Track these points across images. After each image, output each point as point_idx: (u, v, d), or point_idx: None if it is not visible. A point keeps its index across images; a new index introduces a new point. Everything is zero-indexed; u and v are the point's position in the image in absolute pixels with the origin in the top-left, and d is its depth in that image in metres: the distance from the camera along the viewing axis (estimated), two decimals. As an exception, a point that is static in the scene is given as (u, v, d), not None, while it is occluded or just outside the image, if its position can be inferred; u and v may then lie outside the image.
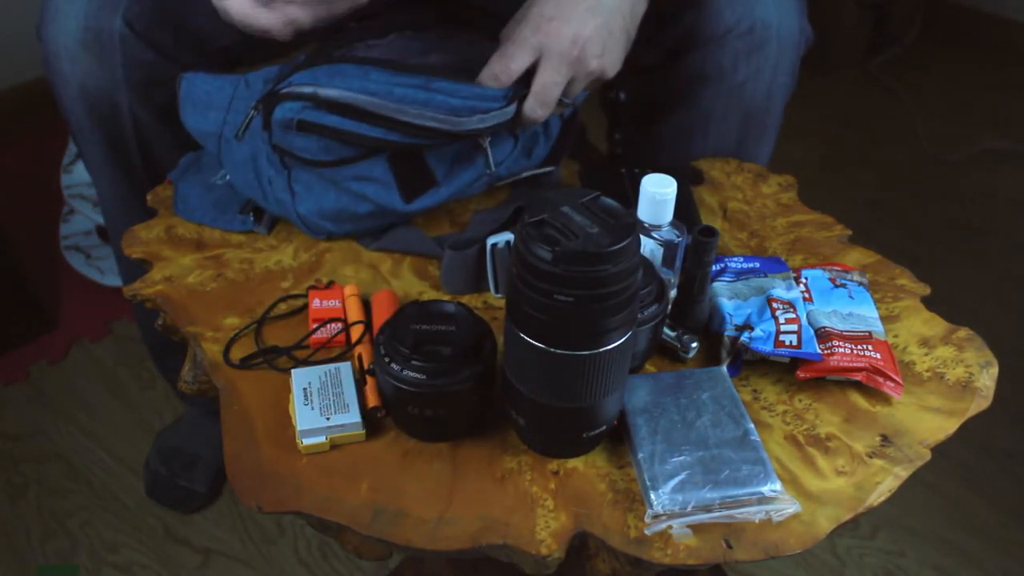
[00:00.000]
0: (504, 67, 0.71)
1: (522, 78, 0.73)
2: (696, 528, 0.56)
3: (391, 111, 0.71)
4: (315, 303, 0.71)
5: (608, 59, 0.73)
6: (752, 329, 0.67)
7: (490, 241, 0.72)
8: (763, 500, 0.57)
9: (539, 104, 0.73)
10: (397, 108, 0.70)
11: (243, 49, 0.91)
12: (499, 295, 0.74)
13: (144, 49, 0.82)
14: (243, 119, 0.76)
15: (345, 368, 0.65)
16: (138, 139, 0.87)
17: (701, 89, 0.89)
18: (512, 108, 0.73)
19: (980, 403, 0.65)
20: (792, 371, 0.66)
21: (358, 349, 0.67)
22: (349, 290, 0.73)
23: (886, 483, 0.59)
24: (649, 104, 0.95)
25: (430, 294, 0.75)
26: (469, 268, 0.73)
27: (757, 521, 0.56)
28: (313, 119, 0.71)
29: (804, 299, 0.70)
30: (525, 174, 0.81)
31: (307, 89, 0.71)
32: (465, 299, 0.74)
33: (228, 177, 0.82)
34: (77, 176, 1.45)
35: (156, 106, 0.86)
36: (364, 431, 0.62)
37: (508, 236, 0.72)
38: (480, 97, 0.72)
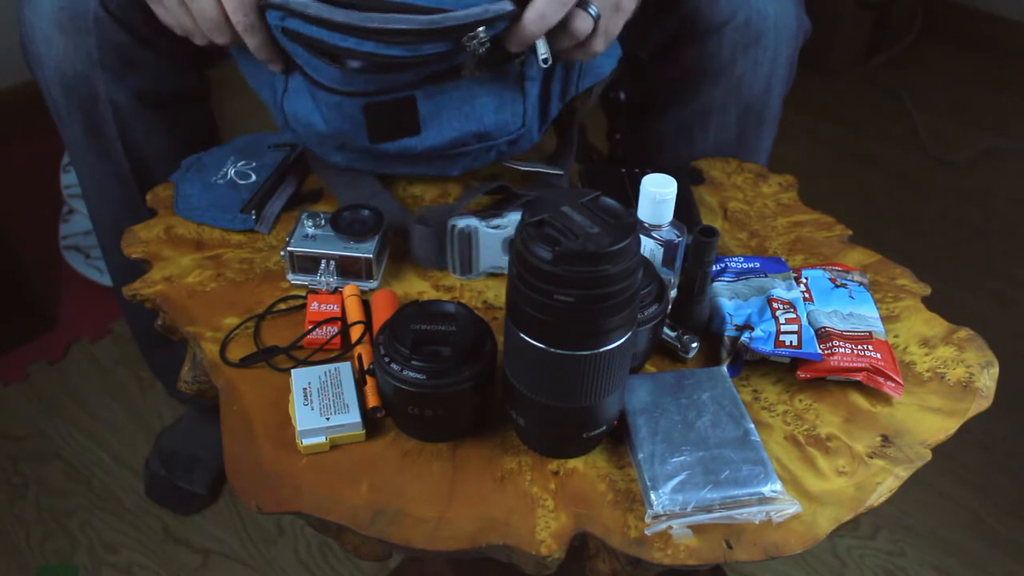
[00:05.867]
0: None
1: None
2: (696, 528, 0.56)
3: (359, 20, 0.67)
4: (313, 306, 0.71)
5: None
6: (752, 329, 0.67)
7: (451, 222, 0.73)
8: (763, 500, 0.57)
9: (539, 16, 0.67)
10: (364, 16, 0.67)
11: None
12: (458, 276, 0.75)
13: (119, 31, 0.82)
14: None
15: (345, 368, 0.65)
16: (118, 125, 0.87)
17: (700, 83, 0.89)
18: (507, 4, 0.67)
19: (980, 403, 0.65)
20: (792, 371, 0.66)
21: (358, 349, 0.67)
22: (349, 290, 0.72)
23: (886, 483, 0.59)
24: (648, 99, 0.95)
25: (430, 294, 0.75)
26: (434, 244, 0.74)
27: (757, 521, 0.56)
28: (294, 27, 0.70)
29: (804, 299, 0.70)
30: (525, 167, 0.82)
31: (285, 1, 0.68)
32: (465, 298, 0.74)
33: (232, 175, 0.83)
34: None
35: (135, 91, 0.86)
36: (364, 431, 0.61)
37: (471, 220, 0.73)
38: None
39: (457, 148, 0.77)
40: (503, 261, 0.75)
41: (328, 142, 0.78)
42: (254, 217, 0.79)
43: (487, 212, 0.75)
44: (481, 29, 0.66)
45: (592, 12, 0.69)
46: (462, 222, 0.73)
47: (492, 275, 0.76)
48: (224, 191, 0.82)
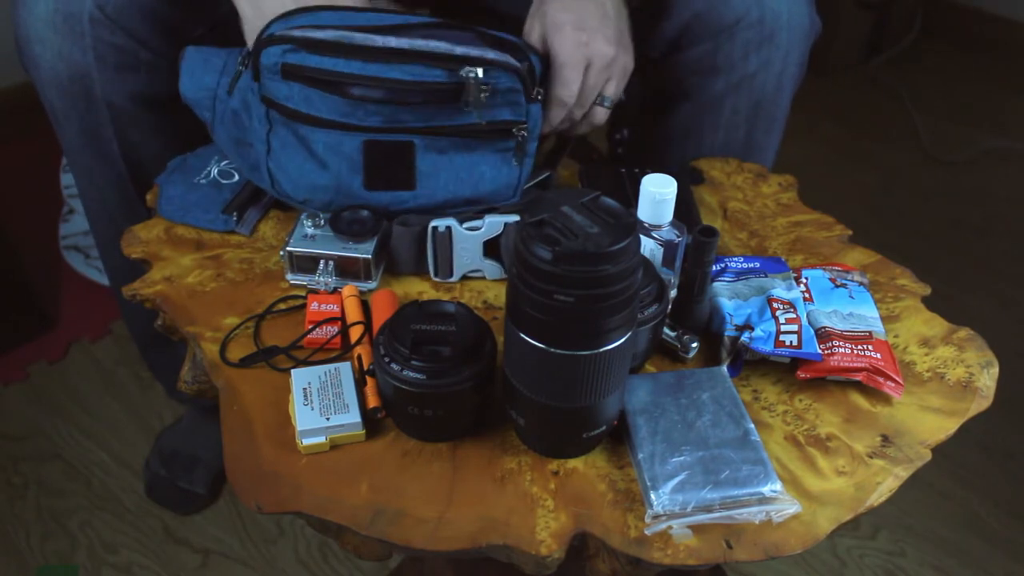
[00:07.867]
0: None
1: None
2: (696, 528, 0.56)
3: (378, 41, 0.70)
4: (313, 306, 0.71)
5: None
6: (752, 329, 0.67)
7: (432, 224, 0.73)
8: (763, 500, 0.57)
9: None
10: (384, 40, 0.70)
11: (217, 39, 0.91)
12: (437, 278, 0.75)
13: (115, 32, 0.82)
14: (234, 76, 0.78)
15: (345, 368, 0.65)
16: (115, 126, 0.87)
17: (711, 81, 0.88)
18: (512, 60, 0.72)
19: (980, 403, 0.65)
20: (792, 371, 0.66)
21: (358, 349, 0.67)
22: (348, 290, 0.72)
23: (886, 483, 0.59)
24: (659, 96, 0.95)
25: (430, 294, 0.75)
26: (413, 248, 0.74)
27: (757, 521, 0.56)
28: (295, 60, 0.70)
29: (804, 299, 0.70)
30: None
31: (296, 32, 0.70)
32: (465, 298, 0.74)
33: (215, 174, 0.82)
34: (77, 176, 1.44)
35: (131, 92, 0.86)
36: (364, 431, 0.61)
37: (450, 221, 0.73)
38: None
39: (446, 209, 0.77)
40: (481, 264, 0.75)
41: (319, 194, 0.76)
42: (235, 218, 0.79)
43: (465, 215, 0.75)
44: (479, 70, 0.70)
45: (607, 104, 0.80)
46: (440, 223, 0.73)
47: (469, 277, 0.76)
48: (207, 191, 0.81)
